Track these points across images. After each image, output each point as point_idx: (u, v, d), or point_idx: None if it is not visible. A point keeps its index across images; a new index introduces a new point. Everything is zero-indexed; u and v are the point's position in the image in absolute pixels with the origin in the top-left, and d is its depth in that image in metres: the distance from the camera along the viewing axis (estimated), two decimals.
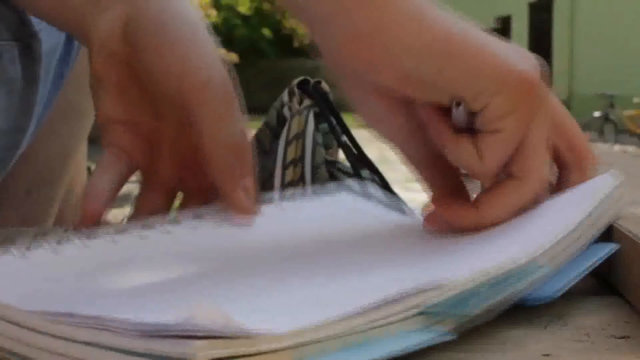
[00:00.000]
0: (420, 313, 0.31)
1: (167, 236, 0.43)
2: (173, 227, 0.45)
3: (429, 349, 0.32)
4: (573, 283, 0.38)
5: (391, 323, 0.30)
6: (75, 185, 0.96)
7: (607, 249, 0.41)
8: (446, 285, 0.32)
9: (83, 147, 0.96)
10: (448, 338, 0.31)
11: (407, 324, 0.31)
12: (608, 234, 0.43)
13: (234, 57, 7.14)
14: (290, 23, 8.62)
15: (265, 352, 0.26)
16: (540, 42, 16.13)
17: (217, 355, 0.25)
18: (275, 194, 0.67)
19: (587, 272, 0.39)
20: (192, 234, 0.45)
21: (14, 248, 0.40)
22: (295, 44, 8.89)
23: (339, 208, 0.51)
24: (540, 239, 0.37)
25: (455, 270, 0.35)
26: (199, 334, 0.25)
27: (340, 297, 0.33)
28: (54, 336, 0.29)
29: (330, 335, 0.28)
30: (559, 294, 0.37)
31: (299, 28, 8.84)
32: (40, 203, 0.86)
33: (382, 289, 0.32)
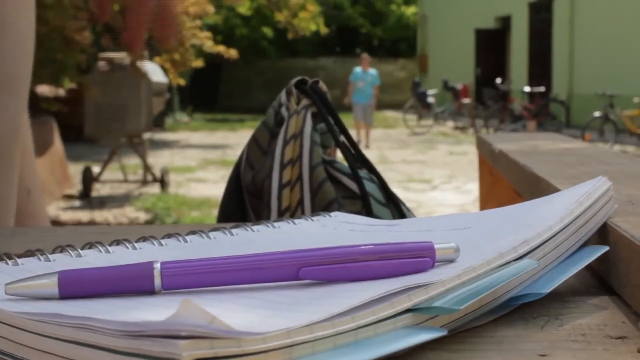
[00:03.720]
0: (409, 311, 0.31)
1: (161, 247, 0.43)
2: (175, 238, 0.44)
3: (423, 349, 0.32)
4: (562, 281, 0.39)
5: (380, 320, 0.30)
6: (24, 167, 0.95)
7: (598, 251, 0.42)
8: (433, 284, 0.33)
9: (26, 121, 0.95)
10: (438, 334, 0.31)
11: (396, 322, 0.31)
12: (605, 234, 0.43)
13: (233, 52, 7.07)
14: (283, 15, 8.54)
15: (250, 353, 0.26)
16: (540, 42, 16.10)
17: (202, 355, 0.25)
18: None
19: (575, 271, 0.40)
20: (197, 244, 0.44)
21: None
22: (290, 35, 8.80)
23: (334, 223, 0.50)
24: (527, 237, 0.38)
25: (443, 270, 0.35)
26: (183, 333, 0.25)
27: (328, 298, 0.33)
28: (40, 335, 0.29)
29: (319, 336, 0.28)
30: (548, 290, 0.37)
31: (294, 19, 8.77)
32: None
33: (369, 289, 0.32)
